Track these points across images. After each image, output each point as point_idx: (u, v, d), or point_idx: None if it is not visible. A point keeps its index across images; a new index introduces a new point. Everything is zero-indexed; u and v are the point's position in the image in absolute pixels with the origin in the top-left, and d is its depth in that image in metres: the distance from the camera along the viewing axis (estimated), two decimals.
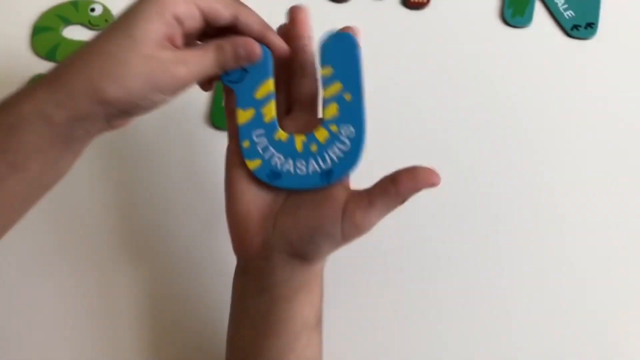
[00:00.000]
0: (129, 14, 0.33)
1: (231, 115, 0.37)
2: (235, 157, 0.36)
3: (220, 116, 0.50)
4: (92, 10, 0.54)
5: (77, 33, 0.54)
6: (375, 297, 0.46)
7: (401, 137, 0.50)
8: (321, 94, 0.36)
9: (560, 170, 0.49)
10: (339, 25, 0.36)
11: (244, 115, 0.36)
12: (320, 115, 0.37)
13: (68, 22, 0.54)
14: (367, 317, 0.45)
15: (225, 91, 0.38)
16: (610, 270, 0.46)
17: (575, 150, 0.50)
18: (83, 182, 0.48)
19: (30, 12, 0.54)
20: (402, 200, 0.33)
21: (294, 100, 0.38)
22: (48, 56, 0.53)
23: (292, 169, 0.35)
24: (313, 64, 0.38)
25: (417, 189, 0.33)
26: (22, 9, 0.54)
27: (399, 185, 0.33)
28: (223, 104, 0.50)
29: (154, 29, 0.32)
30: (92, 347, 0.45)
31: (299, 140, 0.36)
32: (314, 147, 0.35)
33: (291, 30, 0.37)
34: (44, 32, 0.54)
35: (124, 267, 0.47)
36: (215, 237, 0.46)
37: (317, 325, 0.37)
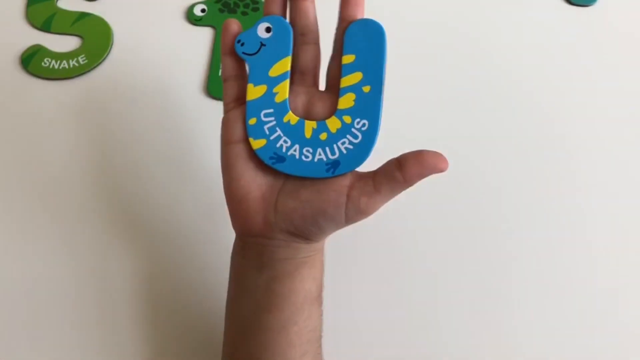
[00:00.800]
0: None
1: (228, 84, 0.36)
2: (234, 132, 0.35)
3: (217, 86, 0.50)
4: None
5: (72, 4, 0.54)
6: (376, 271, 0.45)
7: (404, 111, 0.48)
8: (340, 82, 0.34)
9: (565, 141, 0.49)
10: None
11: (254, 92, 0.34)
12: (322, 87, 0.36)
13: None
14: (368, 287, 0.45)
15: (225, 56, 0.36)
16: (616, 270, 0.45)
17: (579, 120, 0.49)
18: (77, 156, 0.48)
19: None
20: (408, 185, 0.32)
21: (294, 70, 0.35)
22: (43, 27, 0.53)
23: (297, 155, 0.34)
24: (315, 30, 0.35)
25: (424, 175, 0.31)
26: None
27: (405, 171, 0.31)
28: (220, 73, 0.50)
29: None
30: (90, 330, 0.43)
31: (309, 127, 0.34)
32: (323, 136, 0.34)
33: None
34: (39, 3, 0.54)
35: (119, 242, 0.46)
36: (213, 209, 0.46)
37: (318, 297, 0.37)
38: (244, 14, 0.53)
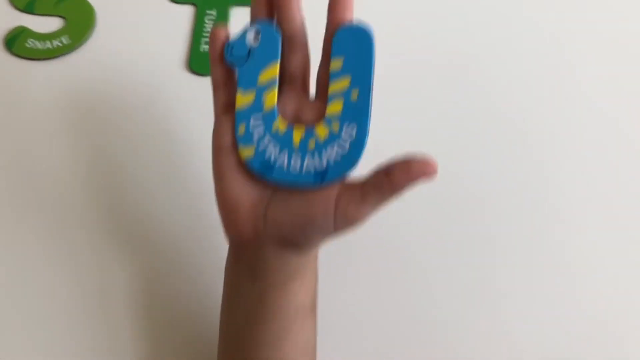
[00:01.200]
0: None
1: (218, 90, 0.36)
2: (224, 139, 0.35)
3: (199, 62, 0.52)
4: None
5: None
6: (371, 283, 0.45)
7: (394, 116, 0.47)
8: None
9: (562, 138, 0.49)
10: None
11: (243, 99, 0.34)
12: (312, 93, 0.36)
13: None
14: (363, 301, 0.44)
15: (214, 64, 0.35)
16: (610, 270, 0.45)
17: (574, 114, 0.50)
18: (62, 135, 0.49)
19: None
20: (397, 194, 0.31)
21: (283, 75, 0.35)
22: (27, 9, 0.54)
23: (285, 165, 0.34)
24: (303, 35, 0.34)
25: (411, 183, 0.30)
26: None
27: (392, 179, 0.31)
28: (201, 49, 0.51)
29: None
30: (86, 336, 0.43)
31: (297, 134, 0.34)
32: (311, 144, 0.33)
33: None
34: None
35: (110, 234, 0.46)
36: (201, 190, 0.47)
37: (312, 309, 0.37)
38: None
